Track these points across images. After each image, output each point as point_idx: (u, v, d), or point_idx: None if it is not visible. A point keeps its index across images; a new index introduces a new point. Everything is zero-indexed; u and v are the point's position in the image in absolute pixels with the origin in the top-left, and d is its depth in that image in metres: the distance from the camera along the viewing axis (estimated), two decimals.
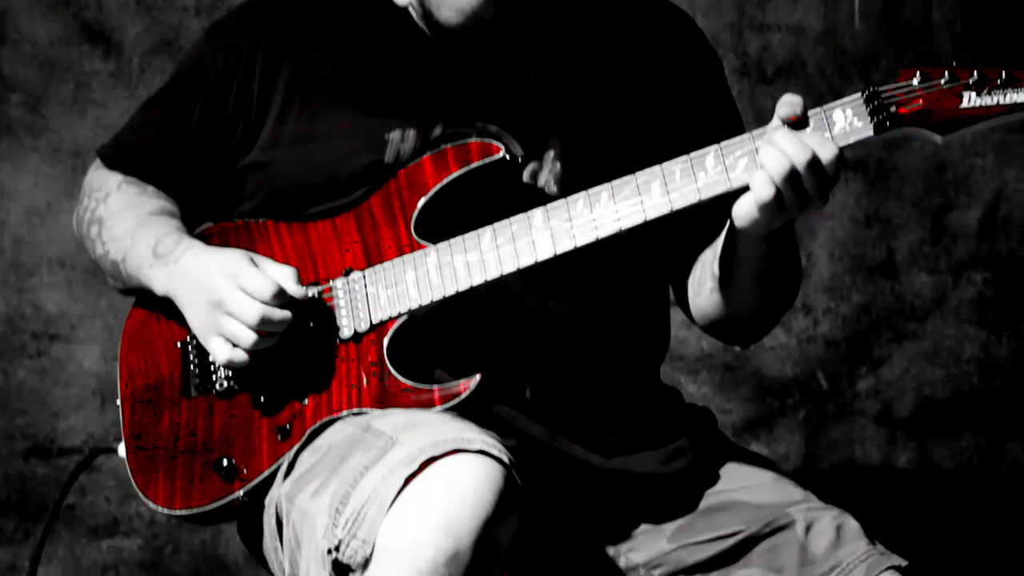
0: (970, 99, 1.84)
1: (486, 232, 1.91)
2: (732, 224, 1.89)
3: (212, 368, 2.01)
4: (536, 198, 1.95)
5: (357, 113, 2.02)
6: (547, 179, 2.00)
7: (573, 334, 2.01)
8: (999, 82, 1.82)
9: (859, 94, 1.87)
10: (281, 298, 1.92)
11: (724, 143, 1.89)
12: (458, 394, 1.87)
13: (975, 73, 1.83)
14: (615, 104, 2.04)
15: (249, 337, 1.92)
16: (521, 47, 2.01)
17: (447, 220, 1.95)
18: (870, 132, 1.86)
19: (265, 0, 2.12)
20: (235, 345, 1.93)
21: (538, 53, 2.02)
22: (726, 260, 1.98)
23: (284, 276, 1.95)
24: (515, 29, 1.98)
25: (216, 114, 2.08)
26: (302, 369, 1.95)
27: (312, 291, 1.98)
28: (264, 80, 2.06)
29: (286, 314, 1.93)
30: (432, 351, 1.96)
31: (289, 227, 2.03)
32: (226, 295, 1.93)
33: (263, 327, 1.91)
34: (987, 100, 1.83)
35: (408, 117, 2.01)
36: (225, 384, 2.00)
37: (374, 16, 2.06)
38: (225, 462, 1.96)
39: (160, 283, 2.03)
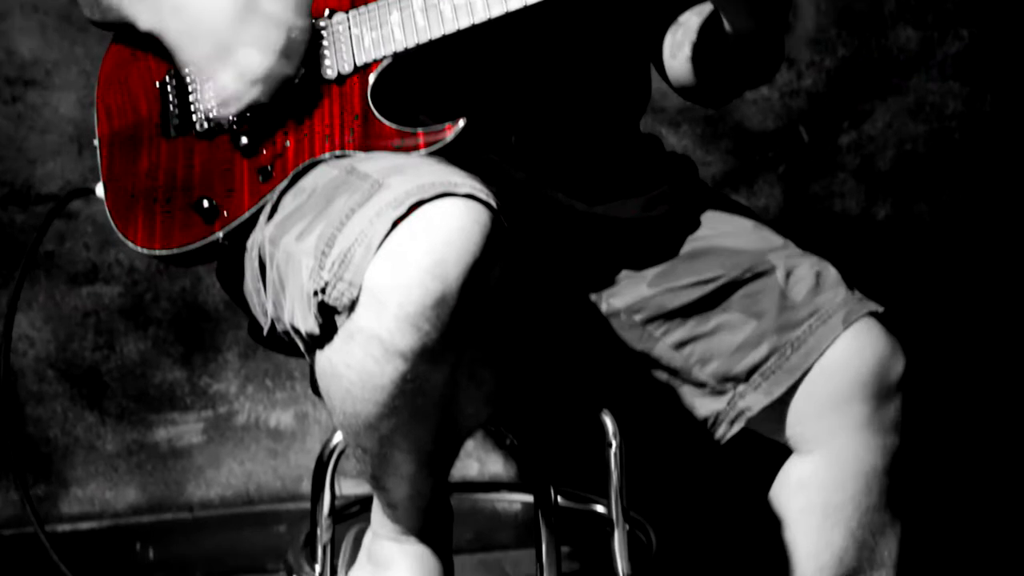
0: None
1: None
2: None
3: (192, 108, 1.98)
4: None
5: None
6: None
7: (557, 81, 1.98)
8: None
9: None
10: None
11: None
12: (443, 137, 1.83)
13: None
14: None
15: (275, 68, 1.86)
16: None
17: None
18: None
19: None
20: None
21: None
22: (707, 36, 1.94)
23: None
24: None
25: None
26: (284, 110, 1.92)
27: None
28: None
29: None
30: (417, 96, 1.92)
31: None
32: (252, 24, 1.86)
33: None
34: None
35: None
36: (205, 125, 1.96)
37: None
38: (206, 203, 1.94)
39: (145, 19, 1.95)
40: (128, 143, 2.02)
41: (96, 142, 2.06)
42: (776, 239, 2.02)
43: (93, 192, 2.07)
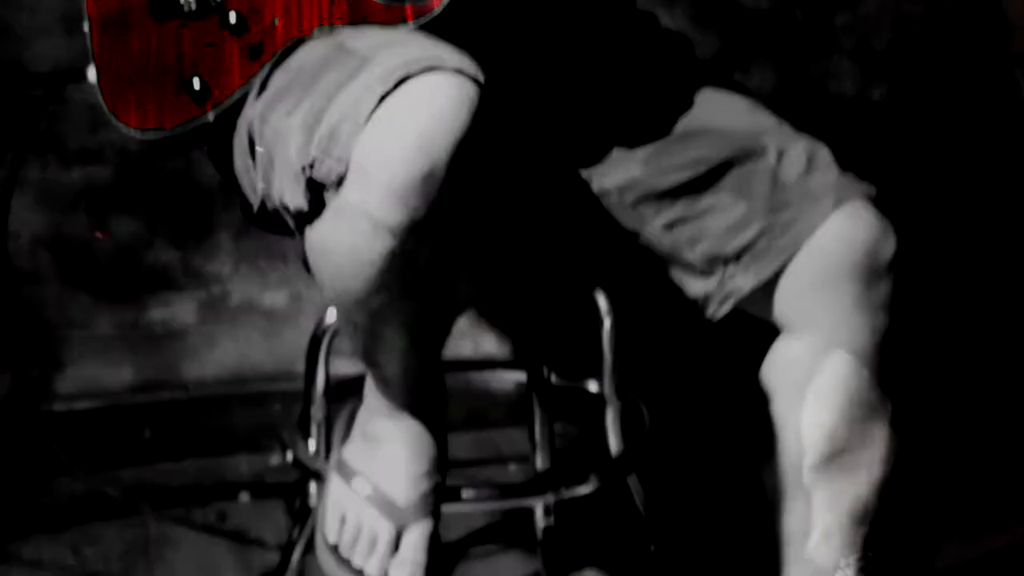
0: None
1: None
2: None
3: None
4: None
5: None
6: None
7: None
8: None
9: None
10: None
11: None
12: (430, 9, 1.81)
13: None
14: None
15: None
16: None
17: None
18: None
19: None
20: None
21: None
22: None
23: None
24: None
25: None
26: None
27: None
28: None
29: None
30: None
31: None
32: None
33: None
34: None
35: None
36: (194, 6, 1.95)
37: None
38: (196, 82, 1.93)
39: None
40: (118, 25, 2.01)
41: (86, 24, 2.04)
42: (770, 120, 2.01)
43: (85, 76, 2.06)
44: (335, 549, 1.94)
